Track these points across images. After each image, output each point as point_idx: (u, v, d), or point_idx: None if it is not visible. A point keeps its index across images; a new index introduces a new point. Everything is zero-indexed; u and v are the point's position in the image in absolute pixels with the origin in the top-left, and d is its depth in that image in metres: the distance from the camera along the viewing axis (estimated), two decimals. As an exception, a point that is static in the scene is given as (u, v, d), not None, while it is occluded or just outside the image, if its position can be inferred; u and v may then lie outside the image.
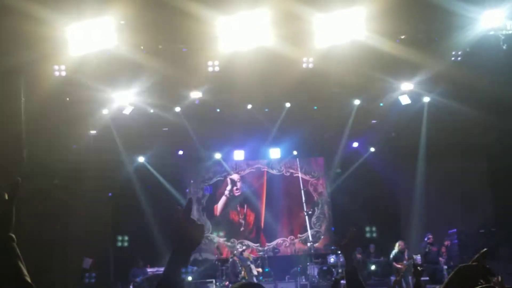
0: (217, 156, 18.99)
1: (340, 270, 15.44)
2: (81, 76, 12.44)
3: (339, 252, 14.81)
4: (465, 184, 16.22)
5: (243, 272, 15.61)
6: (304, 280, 16.46)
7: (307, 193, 19.48)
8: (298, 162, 19.60)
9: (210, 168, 19.52)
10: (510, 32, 11.98)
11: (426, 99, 15.48)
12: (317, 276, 16.27)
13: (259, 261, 17.19)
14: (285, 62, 12.75)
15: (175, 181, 18.74)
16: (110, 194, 17.51)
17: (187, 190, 18.89)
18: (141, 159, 17.99)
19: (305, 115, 16.65)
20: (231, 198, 19.40)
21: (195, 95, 14.65)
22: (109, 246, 16.92)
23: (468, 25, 12.03)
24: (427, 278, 14.17)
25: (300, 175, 19.55)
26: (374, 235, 17.86)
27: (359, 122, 16.89)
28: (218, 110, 16.04)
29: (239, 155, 18.93)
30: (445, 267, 15.27)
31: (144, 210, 17.46)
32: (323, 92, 15.17)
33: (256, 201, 19.42)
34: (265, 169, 19.63)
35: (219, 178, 19.52)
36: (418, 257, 14.83)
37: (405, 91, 15.01)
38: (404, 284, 14.82)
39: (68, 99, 13.85)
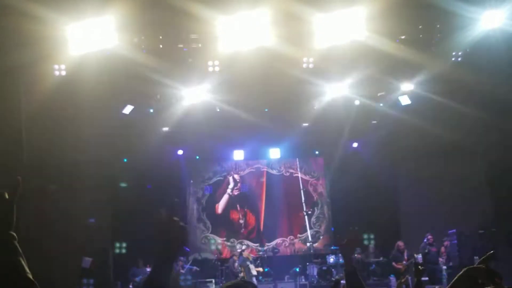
0: (217, 156, 19.00)
1: (337, 273, 15.45)
2: (81, 75, 12.43)
3: (339, 252, 14.82)
4: (464, 184, 16.21)
5: (242, 272, 15.62)
6: (303, 280, 16.48)
7: (307, 193, 19.49)
8: (298, 162, 19.62)
9: (210, 168, 19.53)
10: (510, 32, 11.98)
11: (426, 99, 15.48)
12: (316, 276, 16.29)
13: (258, 261, 17.21)
14: (285, 62, 12.75)
15: (175, 181, 18.74)
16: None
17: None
18: (141, 159, 17.97)
19: (305, 115, 16.65)
20: (232, 196, 19.41)
21: (196, 95, 14.65)
22: (109, 245, 16.91)
23: (468, 25, 12.02)
24: (427, 278, 14.18)
25: (299, 175, 19.57)
26: (372, 242, 17.87)
27: (359, 122, 16.91)
28: (218, 110, 16.04)
29: (239, 155, 18.95)
30: (444, 267, 15.28)
31: (144, 210, 17.44)
32: (322, 92, 15.19)
33: (256, 201, 19.43)
34: (265, 169, 19.64)
35: (219, 178, 19.53)
36: (419, 257, 14.83)
37: (405, 91, 15.02)
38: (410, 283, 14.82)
39: (68, 98, 13.83)
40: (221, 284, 15.86)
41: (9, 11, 9.98)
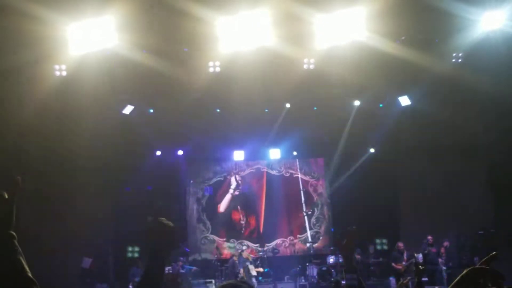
0: (217, 156, 19.01)
1: (337, 273, 15.45)
2: (82, 75, 12.44)
3: (339, 252, 14.83)
4: (464, 185, 16.21)
5: (242, 273, 15.62)
6: (303, 280, 16.47)
7: (307, 194, 19.48)
8: (298, 163, 19.60)
9: (210, 169, 19.53)
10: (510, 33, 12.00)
11: (426, 100, 15.50)
12: (316, 277, 16.28)
13: (258, 262, 17.19)
14: (286, 62, 12.76)
15: (175, 181, 18.74)
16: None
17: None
18: (142, 159, 17.99)
19: (305, 116, 16.66)
20: (234, 196, 19.40)
21: (196, 95, 14.67)
22: (109, 245, 16.91)
23: (469, 26, 12.04)
24: (426, 279, 14.18)
25: (300, 175, 19.55)
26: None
27: (359, 123, 16.91)
28: (218, 110, 16.06)
29: (239, 155, 18.93)
30: (444, 268, 15.28)
31: (144, 211, 17.44)
32: (324, 92, 15.19)
33: (256, 202, 19.41)
34: (265, 170, 19.62)
35: (219, 178, 19.51)
36: (419, 256, 14.81)
37: (405, 92, 15.03)
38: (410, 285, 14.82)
39: (68, 98, 13.85)
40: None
41: (9, 11, 10.00)
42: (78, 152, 14.81)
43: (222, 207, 19.29)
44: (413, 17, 11.99)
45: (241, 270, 15.75)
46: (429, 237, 15.57)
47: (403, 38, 12.45)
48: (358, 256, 16.09)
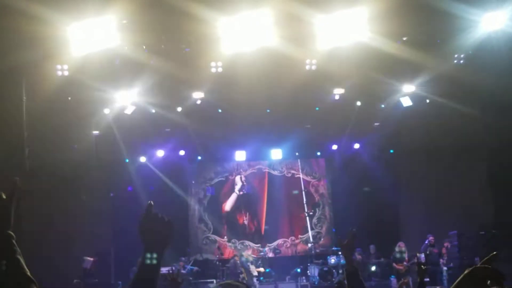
0: (219, 156, 19.02)
1: (340, 271, 15.45)
2: (84, 75, 12.45)
3: (341, 252, 14.82)
4: (465, 185, 16.21)
5: (243, 273, 15.62)
6: (304, 280, 16.47)
7: (308, 194, 19.49)
8: (299, 163, 19.61)
9: (211, 169, 19.54)
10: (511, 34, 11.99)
11: (428, 101, 15.51)
12: (317, 277, 16.29)
13: (259, 262, 17.20)
14: (288, 63, 12.76)
15: (177, 181, 18.75)
16: (111, 194, 17.49)
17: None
18: (143, 159, 18.02)
19: (307, 116, 16.66)
20: (239, 196, 19.39)
21: (197, 95, 14.68)
22: (110, 246, 16.93)
23: (470, 27, 12.03)
24: (428, 279, 14.17)
25: (301, 176, 19.56)
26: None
27: (360, 124, 16.92)
28: (220, 110, 16.06)
29: (240, 155, 18.94)
30: (445, 268, 15.28)
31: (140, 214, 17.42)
32: (326, 93, 15.20)
33: (258, 202, 19.43)
34: (267, 170, 19.63)
35: (220, 179, 19.52)
36: (422, 256, 14.79)
37: (406, 92, 15.03)
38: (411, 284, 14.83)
39: (70, 98, 13.87)
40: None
41: (11, 11, 10.00)
42: (80, 151, 14.84)
43: (228, 206, 19.28)
44: (414, 18, 11.99)
45: (243, 270, 15.75)
46: (431, 238, 15.58)
47: (404, 38, 12.44)
48: (359, 256, 16.10)
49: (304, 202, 19.33)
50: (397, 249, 15.48)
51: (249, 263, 16.12)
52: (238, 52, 12.17)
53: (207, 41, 12.19)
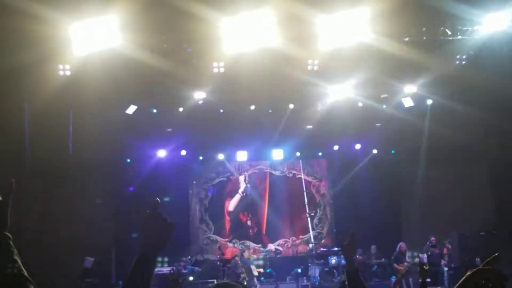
0: (220, 156, 19.02)
1: (338, 274, 15.45)
2: (85, 75, 12.46)
3: (341, 253, 14.81)
4: (466, 186, 16.20)
5: (244, 273, 15.61)
6: (305, 281, 16.45)
7: (310, 195, 19.48)
8: (301, 164, 19.60)
9: (213, 169, 19.54)
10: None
11: (429, 102, 15.52)
12: (318, 277, 16.28)
13: (260, 262, 17.20)
14: (290, 63, 12.77)
15: (178, 181, 18.75)
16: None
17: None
18: (145, 158, 18.02)
19: (308, 117, 16.66)
20: (242, 197, 19.38)
21: (199, 95, 14.69)
22: (111, 245, 16.94)
23: (472, 28, 12.03)
24: (429, 280, 14.16)
25: (302, 176, 19.55)
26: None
27: (361, 124, 16.92)
28: (221, 110, 16.06)
29: (242, 156, 18.94)
30: (446, 269, 15.26)
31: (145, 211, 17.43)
32: (326, 94, 15.21)
33: (259, 202, 19.42)
34: (268, 170, 19.63)
35: (221, 179, 19.52)
36: (424, 256, 14.78)
37: (408, 93, 15.02)
38: (404, 285, 14.83)
39: (71, 98, 13.88)
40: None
41: (12, 11, 10.02)
42: (81, 151, 14.84)
43: (231, 206, 19.28)
44: (416, 19, 11.99)
45: (243, 271, 15.74)
46: (432, 238, 15.56)
47: (407, 39, 12.44)
48: (359, 257, 16.09)
49: (306, 203, 19.32)
50: (398, 249, 15.47)
51: (250, 263, 16.11)
52: (240, 52, 12.17)
53: (209, 41, 12.20)
